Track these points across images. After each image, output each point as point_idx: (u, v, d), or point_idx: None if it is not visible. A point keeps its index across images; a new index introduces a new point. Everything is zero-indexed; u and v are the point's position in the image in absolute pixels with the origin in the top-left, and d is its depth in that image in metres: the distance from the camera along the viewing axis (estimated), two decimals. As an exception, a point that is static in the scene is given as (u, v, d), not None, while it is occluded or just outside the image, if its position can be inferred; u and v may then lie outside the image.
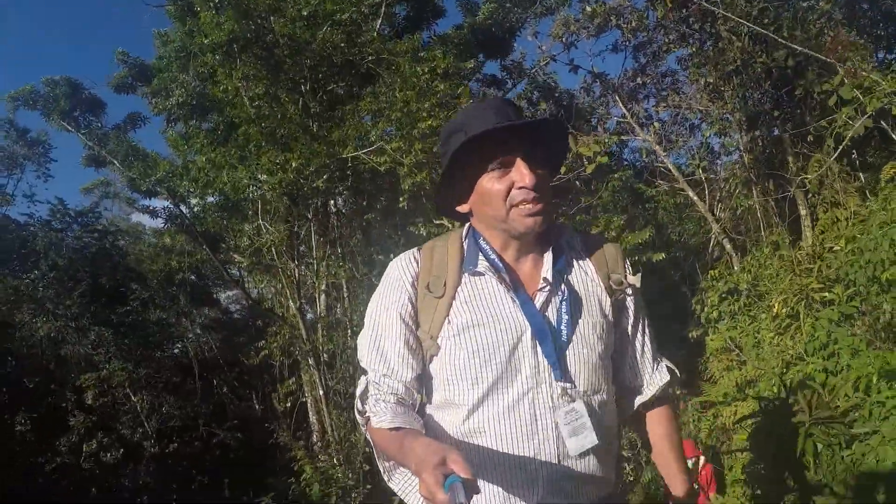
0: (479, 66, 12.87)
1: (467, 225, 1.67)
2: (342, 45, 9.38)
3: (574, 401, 1.48)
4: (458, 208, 1.65)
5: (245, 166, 8.33)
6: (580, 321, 1.55)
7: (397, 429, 1.49)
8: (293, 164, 7.51)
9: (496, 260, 1.58)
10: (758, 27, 9.00)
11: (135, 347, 13.44)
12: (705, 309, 7.77)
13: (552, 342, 1.49)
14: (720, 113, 10.40)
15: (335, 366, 8.53)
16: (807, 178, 8.61)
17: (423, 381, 1.61)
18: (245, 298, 13.95)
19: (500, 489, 1.48)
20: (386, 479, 1.64)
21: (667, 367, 1.73)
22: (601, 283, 1.62)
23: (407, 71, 7.98)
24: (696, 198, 11.07)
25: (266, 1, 9.04)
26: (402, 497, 1.62)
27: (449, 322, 1.54)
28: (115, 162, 16.10)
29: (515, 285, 1.56)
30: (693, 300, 8.54)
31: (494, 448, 1.48)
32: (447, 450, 1.27)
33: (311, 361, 8.80)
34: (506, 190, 1.50)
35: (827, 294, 5.36)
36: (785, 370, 4.85)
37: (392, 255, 6.52)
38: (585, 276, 1.63)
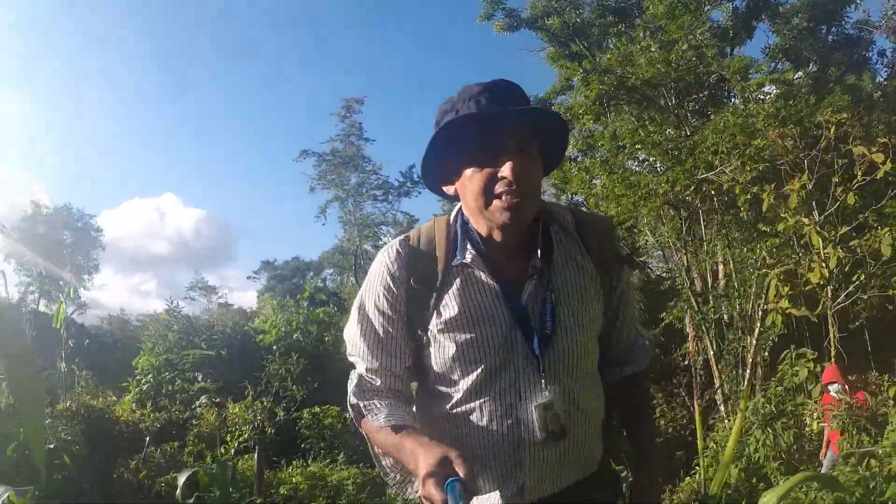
0: (821, 41, 13.52)
1: (456, 208, 1.62)
2: (694, 59, 11.56)
3: (553, 391, 1.47)
4: (444, 188, 1.60)
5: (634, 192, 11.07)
6: (568, 309, 1.52)
7: (393, 426, 1.49)
8: (661, 190, 10.11)
9: (483, 249, 1.54)
10: None
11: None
12: None
13: (536, 333, 1.48)
14: None
15: (724, 331, 10.89)
16: None
17: (413, 371, 1.60)
18: (646, 277, 16.81)
19: (489, 475, 1.49)
20: (382, 474, 1.66)
21: (646, 341, 1.75)
22: (591, 262, 1.59)
23: (738, 94, 9.94)
24: None
25: (617, 57, 11.73)
26: (403, 494, 1.63)
27: (438, 315, 1.51)
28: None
29: (503, 276, 1.52)
30: None
31: (482, 436, 1.49)
32: (447, 449, 1.30)
33: (703, 328, 11.27)
34: (488, 179, 1.45)
35: None
36: None
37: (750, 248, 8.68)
38: (576, 258, 1.59)
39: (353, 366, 1.65)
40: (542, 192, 1.61)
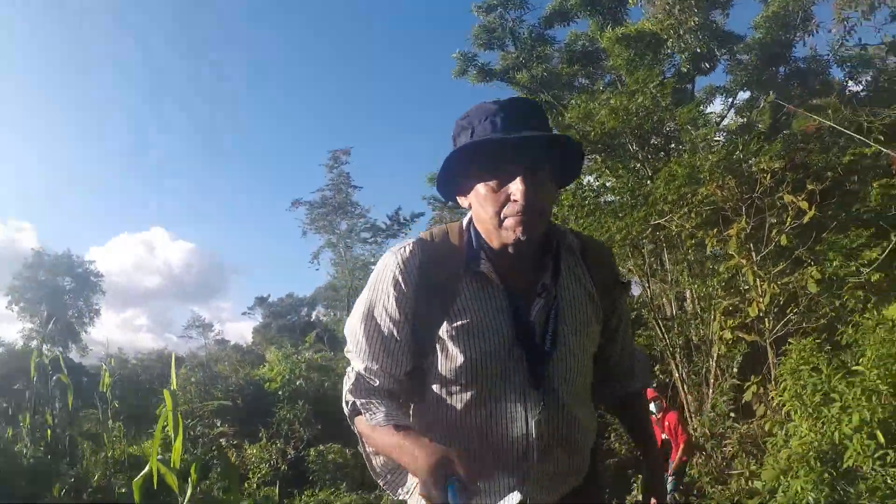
0: (773, 76, 14.62)
1: (468, 216, 1.63)
2: (651, 107, 12.68)
3: (550, 406, 1.51)
4: (458, 198, 1.62)
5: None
6: (569, 328, 1.56)
7: (394, 425, 1.50)
8: (619, 236, 11.24)
9: (496, 261, 1.55)
10: None
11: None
12: None
13: (538, 349, 1.52)
14: None
15: (691, 354, 11.93)
16: None
17: (417, 376, 1.58)
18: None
19: (492, 487, 1.51)
20: (373, 475, 1.66)
21: (643, 362, 1.86)
22: (594, 286, 1.64)
23: (686, 144, 11.13)
24: None
25: (578, 115, 12.89)
26: (393, 494, 1.65)
27: (448, 322, 1.51)
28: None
29: (513, 290, 1.55)
30: None
31: (484, 448, 1.51)
32: (447, 450, 1.33)
33: (668, 352, 12.31)
34: (500, 202, 1.48)
35: None
36: None
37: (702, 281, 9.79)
38: (580, 280, 1.63)
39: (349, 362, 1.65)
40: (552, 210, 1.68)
